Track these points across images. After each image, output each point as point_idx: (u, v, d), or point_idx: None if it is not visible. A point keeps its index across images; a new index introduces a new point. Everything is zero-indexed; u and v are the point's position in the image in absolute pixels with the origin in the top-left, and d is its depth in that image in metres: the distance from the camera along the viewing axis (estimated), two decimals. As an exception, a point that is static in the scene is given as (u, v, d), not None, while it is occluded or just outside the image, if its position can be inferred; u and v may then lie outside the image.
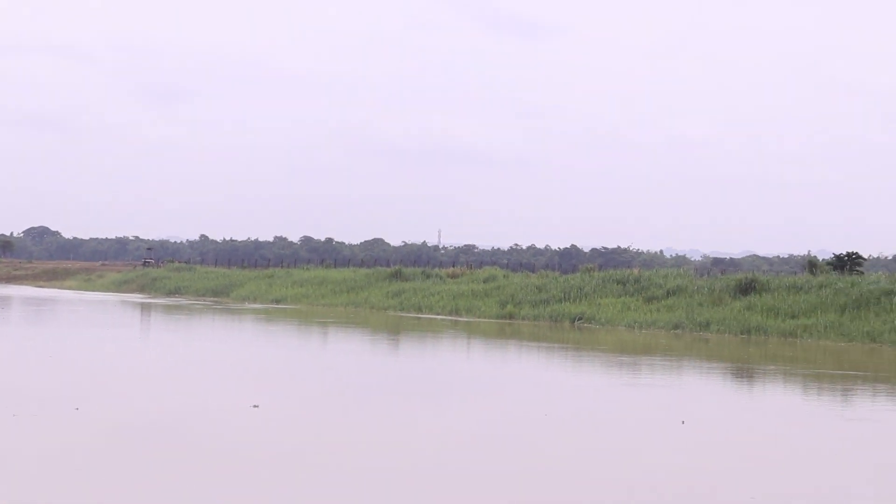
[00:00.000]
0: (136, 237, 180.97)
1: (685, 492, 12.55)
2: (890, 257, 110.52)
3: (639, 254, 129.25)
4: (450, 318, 53.97)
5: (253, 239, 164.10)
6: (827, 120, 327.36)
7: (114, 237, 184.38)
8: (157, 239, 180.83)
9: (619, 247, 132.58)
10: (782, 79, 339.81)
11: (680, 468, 14.00)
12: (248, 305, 65.80)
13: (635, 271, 57.27)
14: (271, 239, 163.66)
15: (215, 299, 74.76)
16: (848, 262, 54.52)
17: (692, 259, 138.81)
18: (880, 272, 57.60)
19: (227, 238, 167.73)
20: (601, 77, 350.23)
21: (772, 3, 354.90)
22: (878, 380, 27.20)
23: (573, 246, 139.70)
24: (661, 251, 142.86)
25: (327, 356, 31.73)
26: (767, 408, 21.03)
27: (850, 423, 19.14)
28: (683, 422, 17.83)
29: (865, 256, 58.10)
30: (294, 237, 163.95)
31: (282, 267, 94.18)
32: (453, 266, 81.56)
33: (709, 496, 12.43)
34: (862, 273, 52.63)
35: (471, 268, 76.14)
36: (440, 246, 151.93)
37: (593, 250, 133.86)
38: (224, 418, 16.92)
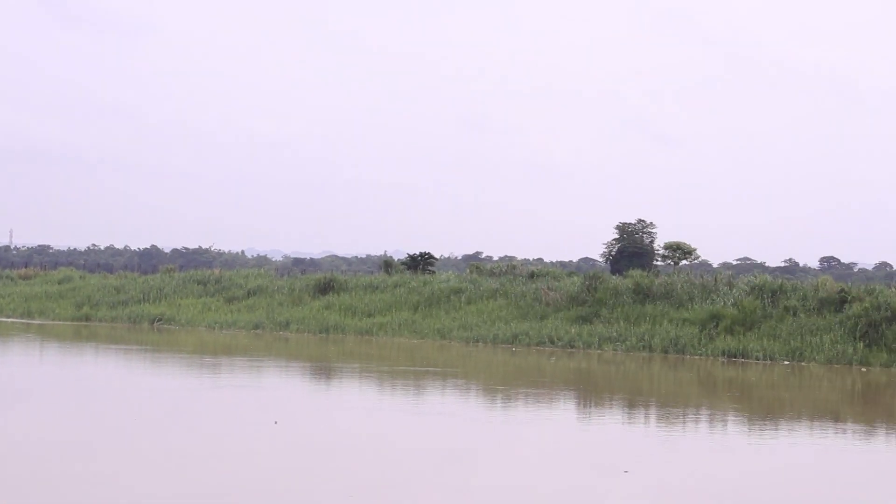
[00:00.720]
0: None
1: (283, 492, 12.78)
2: (460, 257, 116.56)
3: (220, 254, 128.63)
4: (22, 320, 51.63)
5: None
6: (405, 122, 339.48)
7: None
8: None
9: (200, 247, 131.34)
10: (357, 82, 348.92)
11: (277, 469, 14.23)
12: None
13: (216, 272, 57.28)
14: None
15: None
16: (421, 262, 57.12)
17: (273, 259, 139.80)
18: (450, 272, 60.80)
19: None
20: (186, 77, 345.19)
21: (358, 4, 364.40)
22: (447, 374, 28.82)
23: (154, 246, 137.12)
24: (243, 251, 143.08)
25: None
26: (351, 405, 21.77)
27: (422, 418, 20.19)
28: (276, 422, 18.08)
29: (437, 256, 61.11)
30: None
31: None
32: (26, 267, 78.01)
33: (308, 493, 12.74)
34: (433, 272, 55.36)
35: (45, 269, 73.45)
36: (12, 246, 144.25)
37: (174, 251, 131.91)
38: None
